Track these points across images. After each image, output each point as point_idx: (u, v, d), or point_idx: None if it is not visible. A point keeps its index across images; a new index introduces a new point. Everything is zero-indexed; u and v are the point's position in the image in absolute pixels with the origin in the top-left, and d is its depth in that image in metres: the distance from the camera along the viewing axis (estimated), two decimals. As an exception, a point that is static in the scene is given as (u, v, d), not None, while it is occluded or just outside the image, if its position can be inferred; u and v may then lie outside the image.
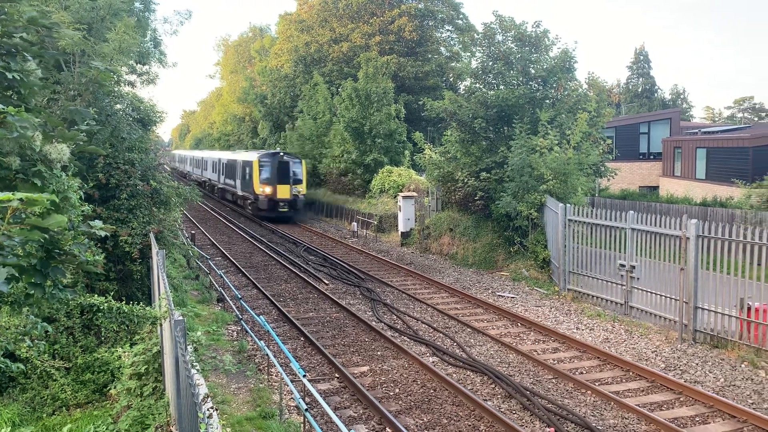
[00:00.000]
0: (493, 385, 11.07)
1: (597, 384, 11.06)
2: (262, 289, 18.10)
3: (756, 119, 72.93)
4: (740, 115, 77.22)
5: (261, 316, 13.04)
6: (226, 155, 46.14)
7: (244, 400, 10.18)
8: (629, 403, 10.07)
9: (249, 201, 37.16)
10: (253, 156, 36.60)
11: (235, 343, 13.19)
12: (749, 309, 12.36)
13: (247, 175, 36.75)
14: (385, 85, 36.59)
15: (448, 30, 52.00)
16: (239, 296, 15.18)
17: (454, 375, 11.57)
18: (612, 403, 10.27)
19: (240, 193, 39.46)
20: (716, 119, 79.41)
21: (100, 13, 14.17)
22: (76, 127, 4.91)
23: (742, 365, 11.91)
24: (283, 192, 34.74)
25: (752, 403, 10.27)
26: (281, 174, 34.75)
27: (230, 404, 9.94)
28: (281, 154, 36.07)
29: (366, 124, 35.78)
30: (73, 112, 5.09)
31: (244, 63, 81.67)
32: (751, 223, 21.58)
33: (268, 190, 34.61)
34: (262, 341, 11.84)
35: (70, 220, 4.23)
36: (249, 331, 13.16)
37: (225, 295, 16.49)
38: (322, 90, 42.69)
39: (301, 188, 35.67)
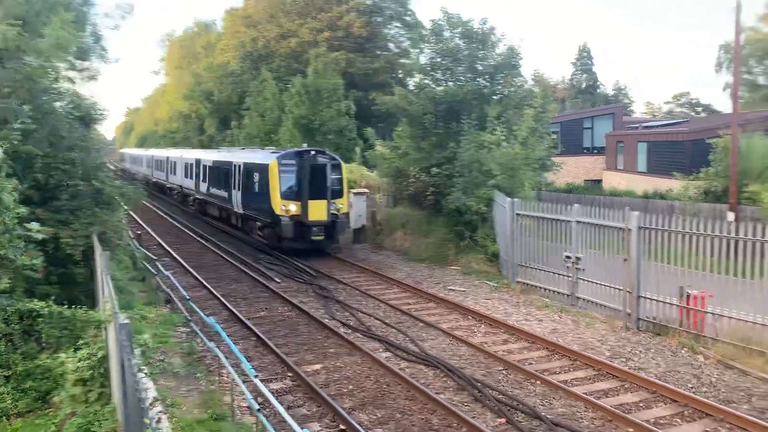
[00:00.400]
0: (445, 379, 11.20)
1: (546, 374, 11.32)
2: (212, 290, 17.79)
3: (693, 114, 75.87)
4: (678, 109, 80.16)
5: (211, 317, 12.81)
6: (210, 155, 34.10)
7: (195, 403, 10.00)
8: (577, 392, 10.35)
9: (260, 224, 24.92)
10: (267, 157, 24.35)
11: (184, 345, 12.93)
12: (688, 297, 12.87)
13: (257, 185, 24.54)
14: (334, 82, 36.42)
15: (396, 26, 52.19)
16: (188, 297, 14.89)
17: (407, 369, 11.65)
18: (560, 392, 10.53)
19: (240, 210, 26.96)
20: (656, 114, 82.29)
21: (34, 7, 13.62)
22: (9, 125, 4.72)
23: (683, 351, 12.40)
24: (318, 211, 22.51)
25: (692, 387, 10.71)
26: (314, 183, 22.51)
27: (180, 407, 9.74)
28: (312, 152, 23.37)
29: (316, 120, 35.51)
30: (6, 110, 4.89)
31: (189, 59, 80.00)
32: (689, 214, 22.41)
33: (293, 208, 22.50)
34: (212, 342, 11.65)
35: (4, 223, 4.06)
36: (199, 332, 12.93)
37: (173, 296, 16.14)
38: (270, 86, 42.15)
39: (342, 204, 23.69)
